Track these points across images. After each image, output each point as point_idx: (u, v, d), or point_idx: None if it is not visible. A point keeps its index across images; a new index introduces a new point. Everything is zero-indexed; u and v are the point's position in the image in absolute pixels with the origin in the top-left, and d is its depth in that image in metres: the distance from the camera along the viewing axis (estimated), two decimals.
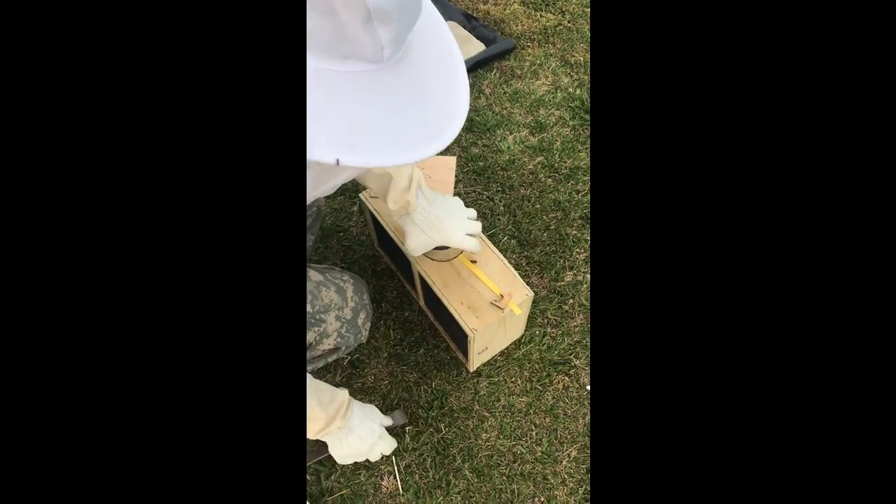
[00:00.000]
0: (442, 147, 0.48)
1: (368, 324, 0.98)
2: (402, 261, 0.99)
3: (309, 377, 0.76)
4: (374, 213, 0.96)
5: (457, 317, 0.85)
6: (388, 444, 0.86)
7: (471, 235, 0.84)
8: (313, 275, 0.89)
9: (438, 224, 0.81)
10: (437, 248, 0.85)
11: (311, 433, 0.78)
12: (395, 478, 0.90)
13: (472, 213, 0.86)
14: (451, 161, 1.18)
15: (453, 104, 0.51)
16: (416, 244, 0.83)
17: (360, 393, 0.97)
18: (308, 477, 0.90)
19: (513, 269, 0.89)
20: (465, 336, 0.86)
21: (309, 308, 0.85)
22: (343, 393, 0.79)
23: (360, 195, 0.98)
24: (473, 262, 0.90)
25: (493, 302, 0.85)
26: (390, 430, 0.95)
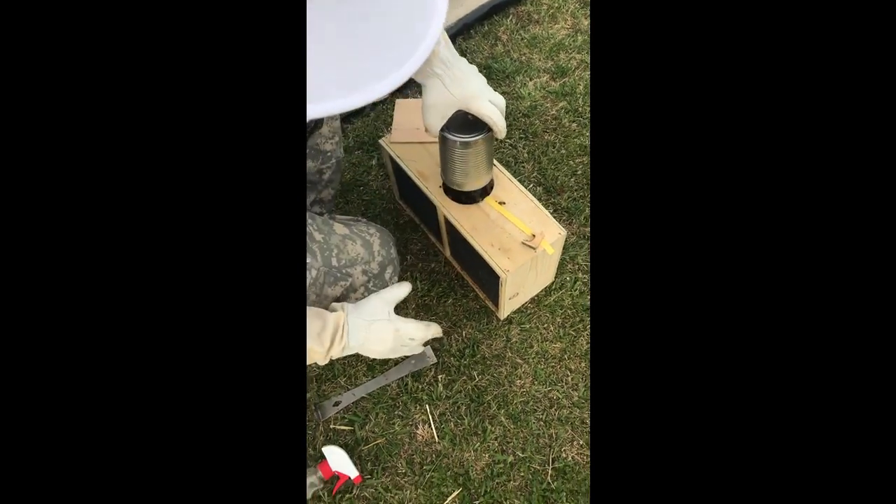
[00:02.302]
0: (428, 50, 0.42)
1: (396, 278, 0.96)
2: (426, 210, 0.96)
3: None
4: (396, 158, 0.92)
5: (487, 259, 0.82)
6: (410, 329, 0.77)
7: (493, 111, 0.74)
8: (338, 228, 0.86)
9: (462, 78, 0.71)
10: (454, 133, 0.75)
11: (317, 360, 0.72)
12: (429, 426, 0.89)
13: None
14: None
15: None
16: (434, 100, 0.72)
17: None
18: (343, 427, 0.90)
19: (544, 209, 0.86)
20: (497, 279, 0.83)
21: (335, 262, 0.83)
22: (335, 316, 0.72)
23: (381, 141, 0.95)
24: (502, 203, 0.86)
25: (524, 242, 0.82)
26: (420, 372, 0.93)
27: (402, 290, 0.80)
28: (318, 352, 0.71)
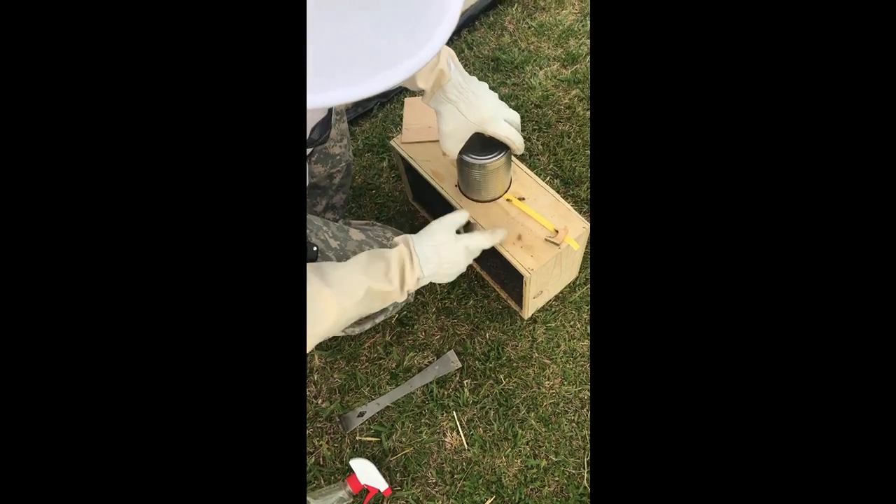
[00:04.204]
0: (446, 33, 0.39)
1: None
2: (443, 210, 0.93)
3: (355, 259, 0.67)
4: (409, 159, 0.89)
5: (509, 258, 0.79)
6: (478, 240, 0.74)
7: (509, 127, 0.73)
8: (354, 234, 0.84)
9: (476, 102, 0.71)
10: (473, 156, 0.75)
11: (394, 298, 0.68)
12: (458, 433, 0.86)
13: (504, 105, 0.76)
14: None
15: None
16: (451, 127, 0.72)
17: (412, 350, 0.93)
18: (369, 438, 0.87)
19: (565, 203, 0.82)
20: (521, 278, 0.80)
21: None
22: (397, 252, 0.68)
23: (391, 142, 0.92)
24: (522, 199, 0.83)
25: (548, 238, 0.79)
26: (444, 378, 0.91)
27: (461, 216, 0.75)
28: (389, 291, 0.67)
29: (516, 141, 0.74)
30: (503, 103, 0.74)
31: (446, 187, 0.86)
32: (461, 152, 0.75)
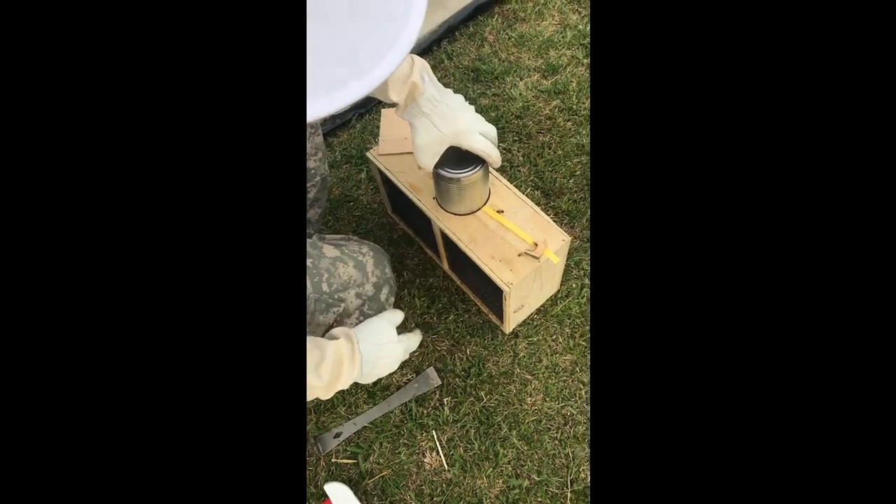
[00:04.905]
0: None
1: (392, 298, 0.90)
2: (421, 223, 0.91)
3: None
4: (386, 171, 0.87)
5: (489, 272, 0.77)
6: (413, 343, 0.77)
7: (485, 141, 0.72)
8: (328, 250, 0.81)
9: (450, 115, 0.69)
10: (449, 170, 0.73)
11: (317, 395, 0.66)
12: (437, 453, 0.83)
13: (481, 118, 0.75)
14: None
15: None
16: (426, 140, 0.70)
17: None
18: (346, 461, 0.84)
19: (545, 215, 0.81)
20: (500, 293, 0.78)
21: (325, 287, 0.77)
22: (334, 346, 0.66)
23: (368, 154, 0.90)
24: (500, 212, 0.81)
25: (527, 252, 0.77)
26: (424, 396, 0.88)
27: (400, 315, 0.78)
28: (316, 387, 0.65)
29: (492, 154, 0.73)
30: (479, 116, 0.73)
31: (424, 200, 0.84)
32: (437, 166, 0.73)
